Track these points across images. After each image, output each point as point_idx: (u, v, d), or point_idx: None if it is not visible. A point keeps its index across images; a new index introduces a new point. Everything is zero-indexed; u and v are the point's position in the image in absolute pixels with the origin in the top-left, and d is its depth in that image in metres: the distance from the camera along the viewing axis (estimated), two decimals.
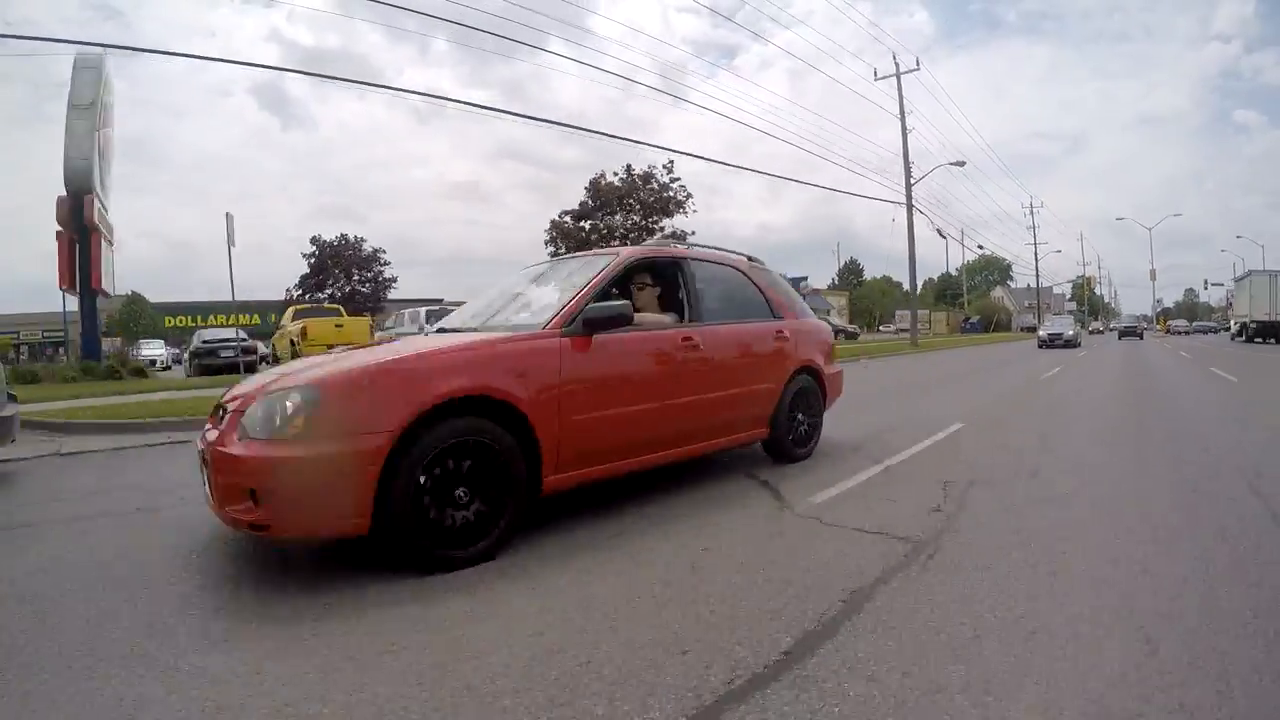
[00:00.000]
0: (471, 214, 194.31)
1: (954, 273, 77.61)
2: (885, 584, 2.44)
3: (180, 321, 53.73)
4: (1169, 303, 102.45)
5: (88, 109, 15.96)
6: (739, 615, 2.20)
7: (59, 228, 15.96)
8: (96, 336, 17.44)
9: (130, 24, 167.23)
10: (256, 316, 55.80)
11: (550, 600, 2.36)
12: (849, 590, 2.38)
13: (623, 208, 26.37)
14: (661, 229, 25.99)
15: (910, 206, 27.00)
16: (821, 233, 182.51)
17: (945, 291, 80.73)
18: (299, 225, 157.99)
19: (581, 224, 26.30)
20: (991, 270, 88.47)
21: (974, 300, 78.34)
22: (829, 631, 2.07)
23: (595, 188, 27.02)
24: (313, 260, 39.65)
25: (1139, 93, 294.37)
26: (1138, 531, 3.03)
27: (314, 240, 39.59)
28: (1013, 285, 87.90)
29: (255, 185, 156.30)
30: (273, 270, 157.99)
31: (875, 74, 28.60)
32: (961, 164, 28.61)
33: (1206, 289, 69.64)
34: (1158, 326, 59.71)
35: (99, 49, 17.54)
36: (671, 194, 26.36)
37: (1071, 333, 26.56)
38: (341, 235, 38.66)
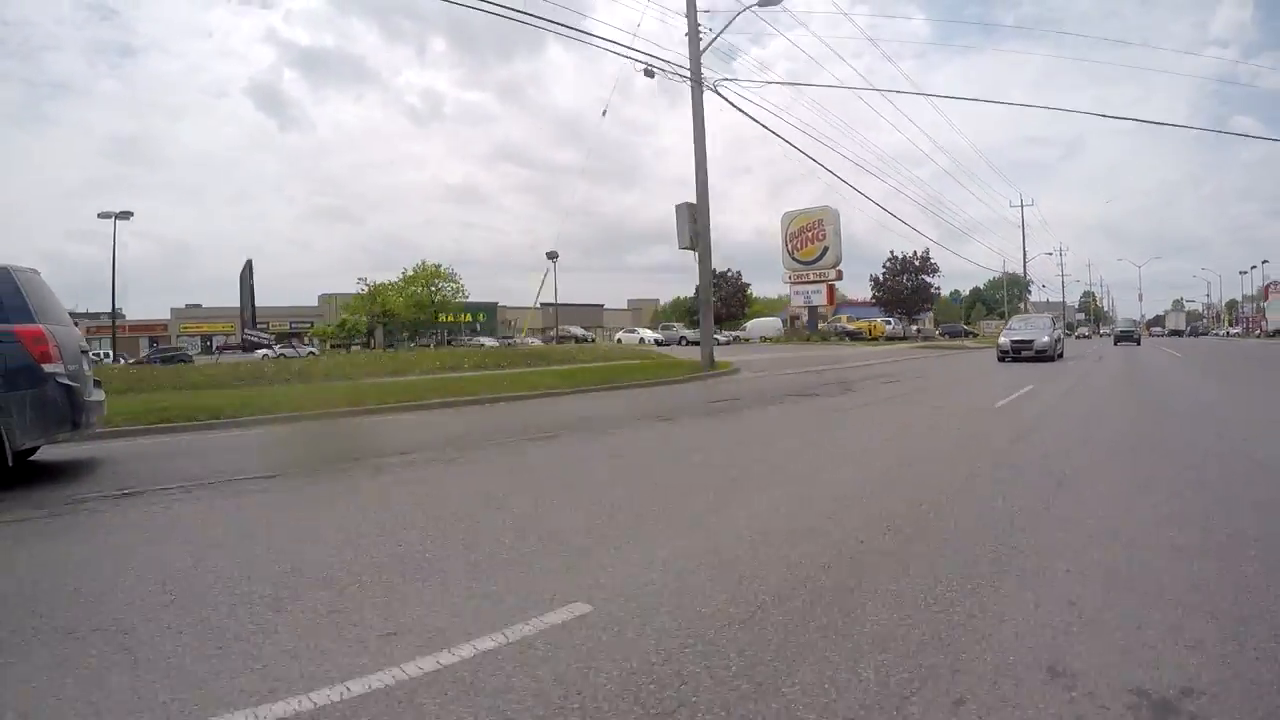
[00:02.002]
0: (468, 216, 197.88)
1: (980, 287, 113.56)
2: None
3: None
4: (1160, 309, 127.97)
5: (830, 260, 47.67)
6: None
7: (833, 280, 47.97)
8: (817, 326, 48.17)
9: (126, 24, 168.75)
10: (469, 315, 71.85)
11: None
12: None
13: (908, 270, 59.30)
14: (926, 284, 59.04)
15: (1024, 274, 60.32)
16: None
17: (974, 303, 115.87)
18: (296, 226, 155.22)
19: (900, 278, 59.35)
20: (1012, 286, 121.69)
21: (1009, 312, 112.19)
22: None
23: (892, 258, 58.23)
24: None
25: (1135, 97, 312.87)
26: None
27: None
28: (1030, 298, 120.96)
29: (251, 186, 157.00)
30: (275, 269, 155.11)
31: (1009, 203, 61.99)
32: (1050, 254, 61.47)
33: (1184, 304, 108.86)
34: (1142, 331, 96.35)
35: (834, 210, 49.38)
36: (929, 262, 58.95)
37: (1047, 338, 20.74)
38: (727, 268, 66.92)
